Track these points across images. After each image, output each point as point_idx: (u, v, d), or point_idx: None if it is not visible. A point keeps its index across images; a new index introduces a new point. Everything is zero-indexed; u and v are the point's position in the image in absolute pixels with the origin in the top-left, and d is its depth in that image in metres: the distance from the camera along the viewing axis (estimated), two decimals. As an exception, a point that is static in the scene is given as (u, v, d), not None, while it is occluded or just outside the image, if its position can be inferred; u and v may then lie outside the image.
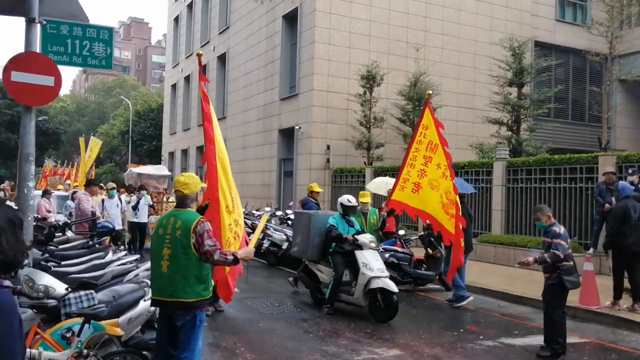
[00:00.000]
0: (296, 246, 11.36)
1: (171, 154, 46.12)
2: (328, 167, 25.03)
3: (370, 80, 23.77)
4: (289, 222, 18.09)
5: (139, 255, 9.90)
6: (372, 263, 9.79)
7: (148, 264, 7.70)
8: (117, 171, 64.03)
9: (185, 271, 5.15)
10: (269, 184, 28.77)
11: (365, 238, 10.14)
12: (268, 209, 21.18)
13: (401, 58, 26.33)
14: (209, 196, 6.91)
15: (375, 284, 9.53)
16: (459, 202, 10.27)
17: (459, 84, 27.24)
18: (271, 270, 14.89)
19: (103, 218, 13.58)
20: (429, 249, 12.67)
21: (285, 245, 15.36)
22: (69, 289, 5.94)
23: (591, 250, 13.45)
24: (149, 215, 16.86)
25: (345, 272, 10.15)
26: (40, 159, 50.39)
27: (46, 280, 6.13)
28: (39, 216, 14.32)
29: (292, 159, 27.05)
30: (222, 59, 35.80)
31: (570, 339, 8.44)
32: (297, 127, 25.89)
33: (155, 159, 49.51)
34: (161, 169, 25.47)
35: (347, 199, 10.64)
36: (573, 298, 10.10)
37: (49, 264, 7.28)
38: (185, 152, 42.92)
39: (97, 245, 10.02)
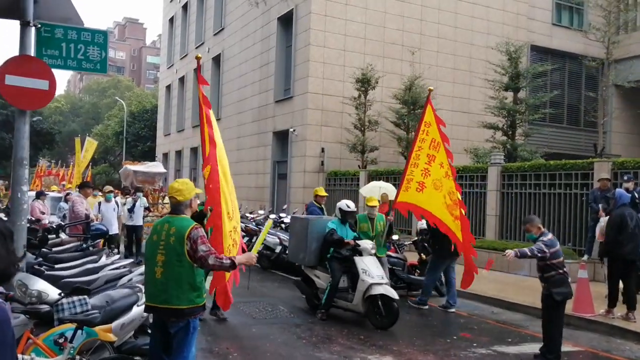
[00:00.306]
0: (293, 251, 11.19)
1: (165, 155, 46.02)
2: (322, 170, 25.00)
3: (365, 83, 23.77)
4: (283, 225, 18.07)
5: (132, 260, 9.86)
6: (372, 269, 9.69)
7: (141, 269, 7.67)
8: (111, 172, 63.89)
9: (178, 278, 5.12)
10: (262, 187, 28.74)
11: (366, 244, 10.04)
12: (262, 211, 21.14)
13: (396, 61, 26.34)
14: (211, 202, 6.92)
15: (376, 291, 9.42)
16: (462, 202, 10.19)
17: (455, 87, 27.26)
18: (264, 274, 14.85)
19: (97, 220, 13.52)
20: (422, 254, 12.69)
21: (278, 249, 15.32)
22: (62, 294, 5.91)
23: (585, 257, 13.47)
24: (145, 216, 16.66)
25: (342, 278, 10.07)
26: (34, 159, 50.22)
27: (39, 285, 6.10)
28: (33, 218, 14.27)
29: (286, 161, 27.00)
30: (216, 60, 35.76)
31: (564, 347, 8.42)
32: (291, 130, 25.86)
33: (149, 160, 49.32)
34: (157, 166, 25.20)
35: (346, 204, 10.49)
36: (567, 305, 10.10)
37: (42, 267, 7.25)
38: (179, 153, 42.84)
39: (90, 248, 9.98)
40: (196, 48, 39.31)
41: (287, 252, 14.82)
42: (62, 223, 12.89)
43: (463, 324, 10.21)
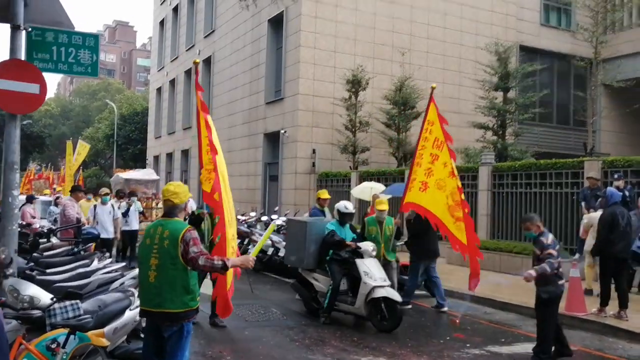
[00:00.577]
0: (290, 255, 10.92)
1: (156, 158, 45.90)
2: (313, 171, 25.00)
3: (355, 84, 23.79)
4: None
5: (124, 263, 9.82)
6: (374, 272, 9.59)
7: (134, 272, 7.66)
8: (102, 175, 63.63)
9: (172, 281, 5.11)
10: (254, 188, 28.70)
11: (367, 246, 9.95)
12: (253, 213, 21.12)
13: (386, 62, 26.37)
14: (218, 211, 7.07)
15: (379, 294, 9.33)
16: (465, 202, 10.06)
17: (444, 88, 27.27)
18: (256, 276, 14.82)
19: (88, 224, 13.42)
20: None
21: (270, 251, 15.30)
22: (54, 299, 5.89)
23: (577, 256, 13.51)
24: (140, 222, 16.29)
25: (342, 280, 9.97)
26: (25, 162, 50.00)
27: (31, 290, 6.07)
28: (24, 222, 14.20)
29: (277, 163, 26.98)
30: (207, 62, 35.67)
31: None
32: (282, 131, 25.85)
33: (140, 163, 49.20)
34: (149, 174, 25.13)
35: (345, 205, 10.38)
36: (559, 304, 10.14)
37: (34, 272, 7.21)
38: (170, 155, 42.75)
39: (82, 252, 9.94)
40: (187, 50, 39.24)
41: (279, 254, 14.83)
42: (54, 227, 12.83)
43: (456, 324, 10.22)
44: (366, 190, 16.05)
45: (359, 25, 26.02)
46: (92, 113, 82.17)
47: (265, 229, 17.66)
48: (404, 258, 12.90)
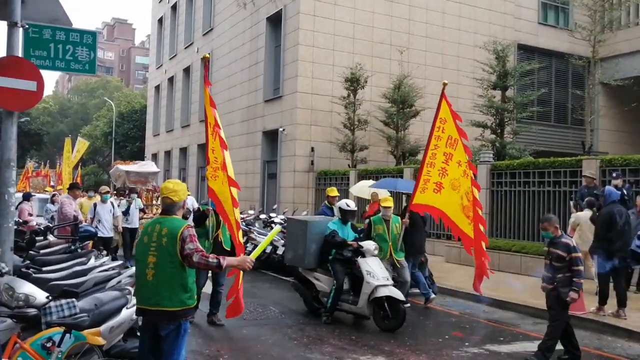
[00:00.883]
0: (290, 254, 10.80)
1: (154, 155, 45.84)
2: (312, 170, 24.97)
3: (354, 82, 23.75)
4: (273, 225, 18.03)
5: (121, 262, 9.79)
6: (377, 271, 9.52)
7: (131, 271, 7.63)
8: (100, 172, 63.64)
9: (170, 279, 5.08)
10: (252, 187, 28.66)
11: (369, 245, 9.89)
12: (252, 211, 21.07)
13: (385, 60, 26.35)
14: (219, 210, 7.24)
15: (382, 293, 9.28)
16: (478, 200, 9.81)
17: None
18: (255, 275, 14.80)
19: (86, 222, 13.37)
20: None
21: (269, 249, 15.26)
22: (50, 298, 5.84)
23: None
24: (140, 219, 16.00)
25: (345, 279, 9.91)
26: (22, 160, 49.92)
27: (26, 288, 6.02)
28: (21, 220, 14.16)
29: (275, 161, 26.96)
30: (205, 60, 35.62)
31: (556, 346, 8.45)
32: (281, 129, 25.82)
33: (139, 161, 49.18)
34: (150, 166, 24.74)
35: (346, 203, 10.33)
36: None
37: (29, 270, 7.17)
38: (168, 153, 42.71)
39: (79, 250, 9.90)
40: (185, 48, 39.22)
41: (277, 252, 14.81)
42: (50, 225, 12.79)
43: (455, 323, 10.21)
44: (365, 188, 16.04)
45: (357, 24, 25.98)
46: (90, 111, 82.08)
47: (264, 227, 17.70)
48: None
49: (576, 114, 26.35)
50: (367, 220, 13.48)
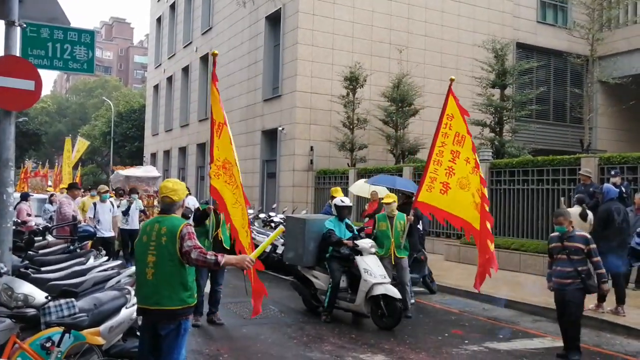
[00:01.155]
0: (289, 252, 10.77)
1: (153, 155, 45.85)
2: (311, 169, 24.98)
3: (353, 81, 23.75)
4: (272, 224, 18.03)
5: (120, 261, 9.78)
6: (374, 269, 9.52)
7: (130, 270, 7.62)
8: (99, 172, 63.60)
9: (170, 278, 5.08)
10: (251, 186, 28.64)
11: (365, 243, 9.87)
12: (251, 211, 21.04)
13: (384, 59, 26.35)
14: (222, 209, 7.30)
15: (378, 291, 9.28)
16: (486, 197, 9.54)
17: (442, 85, 27.17)
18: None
19: (85, 222, 13.33)
20: (413, 251, 12.63)
21: (268, 249, 15.24)
22: (49, 298, 5.83)
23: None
24: (140, 221, 15.37)
25: (342, 278, 9.90)
26: (20, 160, 49.88)
27: (25, 288, 6.01)
28: (19, 220, 14.13)
29: (275, 160, 26.96)
30: (204, 59, 35.65)
31: (555, 343, 8.47)
32: (280, 129, 25.82)
33: (137, 160, 49.16)
34: (150, 171, 24.63)
35: (341, 199, 10.37)
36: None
37: (28, 270, 7.16)
38: (167, 153, 42.70)
39: (78, 250, 9.89)
40: (184, 47, 39.21)
41: (277, 251, 14.79)
42: (49, 225, 12.77)
43: (454, 321, 10.21)
44: (364, 187, 16.03)
45: (356, 23, 25.99)
46: (88, 110, 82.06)
47: (263, 227, 17.70)
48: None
49: (575, 112, 26.36)
50: (366, 219, 13.52)
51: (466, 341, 8.72)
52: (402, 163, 22.60)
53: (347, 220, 10.44)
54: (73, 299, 5.85)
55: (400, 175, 19.17)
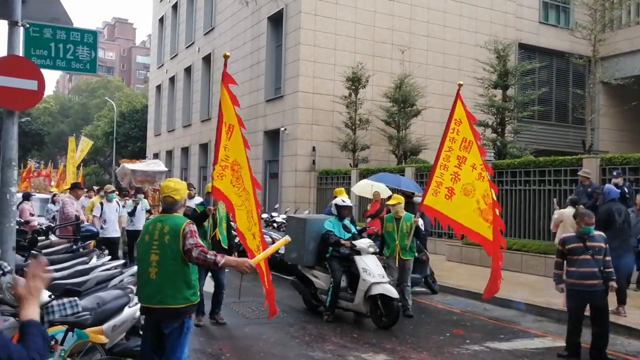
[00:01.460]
0: (290, 252, 10.75)
1: (156, 155, 45.82)
2: (314, 169, 24.99)
3: (355, 82, 23.78)
4: (275, 224, 18.05)
5: (124, 261, 9.81)
6: (373, 268, 9.55)
7: (133, 269, 7.64)
8: (102, 172, 63.63)
9: (174, 277, 5.11)
10: (254, 186, 28.63)
11: (363, 243, 9.88)
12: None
13: (386, 60, 26.37)
14: (230, 209, 7.28)
15: (376, 290, 9.30)
16: (497, 202, 9.54)
17: (444, 85, 27.26)
18: (256, 274, 14.73)
19: (88, 222, 13.34)
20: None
21: (271, 249, 15.21)
22: (52, 296, 5.85)
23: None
24: (147, 220, 15.46)
25: (342, 277, 9.93)
26: (23, 160, 49.93)
27: (29, 287, 6.03)
28: (22, 220, 14.15)
29: (277, 160, 26.98)
30: (207, 60, 35.67)
31: (556, 343, 8.48)
32: (282, 129, 25.84)
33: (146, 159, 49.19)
34: (157, 164, 24.18)
35: (341, 199, 10.40)
36: (557, 300, 10.15)
37: (32, 269, 7.17)
38: (170, 153, 42.72)
39: (80, 250, 9.91)
40: (186, 48, 39.25)
41: (278, 251, 14.79)
42: (52, 224, 12.79)
43: (456, 321, 10.22)
44: (367, 187, 16.04)
45: (358, 23, 26.02)
46: (91, 111, 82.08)
47: (266, 227, 17.72)
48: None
49: (577, 113, 26.37)
50: (369, 219, 13.53)
51: (467, 341, 8.73)
52: (404, 164, 22.61)
53: (346, 220, 10.45)
54: (76, 298, 5.87)
55: (403, 176, 19.17)
